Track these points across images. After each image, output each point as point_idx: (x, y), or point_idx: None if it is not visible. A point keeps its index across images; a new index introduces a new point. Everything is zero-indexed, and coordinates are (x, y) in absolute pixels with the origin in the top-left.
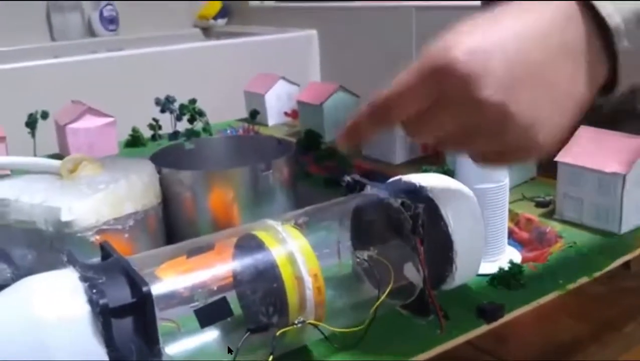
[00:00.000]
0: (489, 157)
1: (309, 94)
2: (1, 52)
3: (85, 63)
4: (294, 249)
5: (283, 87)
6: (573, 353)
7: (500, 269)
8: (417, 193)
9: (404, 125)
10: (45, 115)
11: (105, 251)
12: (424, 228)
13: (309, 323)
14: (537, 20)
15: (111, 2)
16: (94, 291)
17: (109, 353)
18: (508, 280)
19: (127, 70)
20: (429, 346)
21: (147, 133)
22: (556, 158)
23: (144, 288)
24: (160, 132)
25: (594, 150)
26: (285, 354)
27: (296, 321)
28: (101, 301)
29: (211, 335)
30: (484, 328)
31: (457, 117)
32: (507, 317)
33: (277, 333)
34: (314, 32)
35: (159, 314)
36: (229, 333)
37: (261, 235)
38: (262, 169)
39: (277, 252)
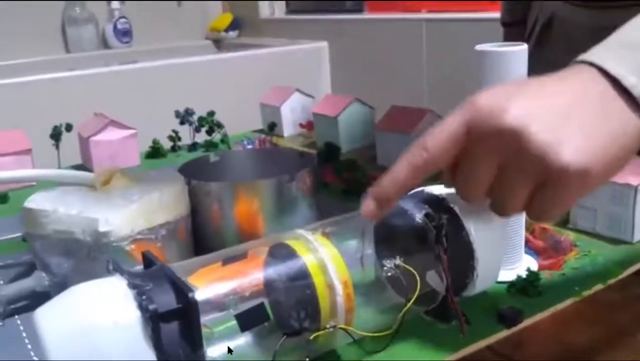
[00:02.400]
0: (540, 205)
1: (324, 106)
2: (18, 64)
3: (105, 75)
4: (324, 257)
5: (298, 99)
6: (588, 357)
7: (518, 277)
8: (439, 204)
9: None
10: (69, 128)
11: (148, 259)
12: (447, 238)
13: (340, 328)
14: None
15: (125, 14)
16: (143, 297)
17: (158, 355)
18: (526, 287)
19: (145, 82)
20: (452, 350)
21: (166, 144)
22: None
23: (190, 295)
24: (179, 143)
25: None
26: (317, 358)
27: (328, 326)
28: (151, 307)
29: (244, 340)
30: (504, 333)
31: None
32: (526, 322)
33: (311, 337)
34: (324, 44)
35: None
36: (261, 339)
37: (293, 243)
38: (286, 180)
39: (308, 260)
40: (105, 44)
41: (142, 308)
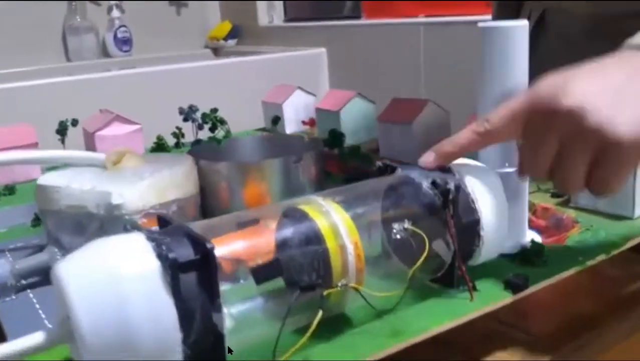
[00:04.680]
0: (600, 180)
1: (326, 102)
2: (20, 72)
3: (109, 79)
4: (336, 219)
5: (300, 96)
6: (592, 327)
7: (523, 247)
8: (445, 173)
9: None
10: (75, 123)
11: (164, 221)
12: (454, 204)
13: (352, 287)
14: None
15: (125, 23)
16: (163, 247)
17: (177, 304)
18: (531, 257)
19: (147, 86)
20: (460, 314)
21: (170, 141)
22: None
23: (208, 245)
24: (183, 140)
25: None
26: (328, 318)
27: (339, 284)
28: (170, 255)
29: (258, 302)
30: (510, 298)
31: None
32: (532, 289)
33: (325, 293)
34: (323, 50)
35: None
36: (274, 304)
37: (305, 207)
38: (293, 161)
39: (321, 222)
40: (105, 53)
41: (161, 257)
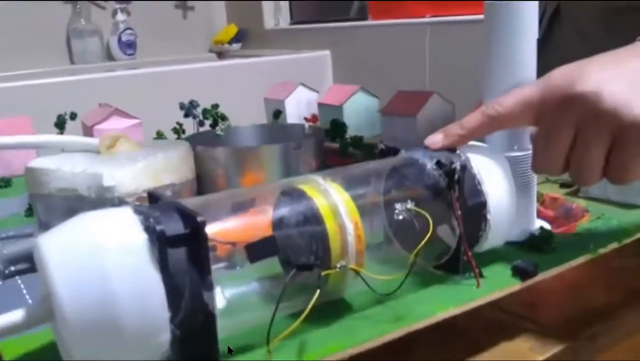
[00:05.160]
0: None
1: (329, 96)
2: (24, 74)
3: (111, 79)
4: (335, 198)
5: (302, 93)
6: (604, 317)
7: (532, 234)
8: (450, 154)
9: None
10: (73, 116)
11: (154, 197)
12: (459, 185)
13: (351, 269)
14: None
15: (130, 26)
16: (150, 220)
17: (164, 280)
18: (540, 244)
19: (149, 86)
20: (465, 301)
21: (170, 137)
22: None
23: (199, 218)
24: (183, 136)
25: None
26: (327, 304)
27: (338, 265)
28: (158, 228)
29: (254, 285)
30: (518, 285)
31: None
32: (541, 276)
33: (322, 274)
34: (327, 53)
35: None
36: (271, 286)
37: (303, 186)
38: (293, 147)
39: (319, 201)
40: (109, 56)
41: (149, 230)
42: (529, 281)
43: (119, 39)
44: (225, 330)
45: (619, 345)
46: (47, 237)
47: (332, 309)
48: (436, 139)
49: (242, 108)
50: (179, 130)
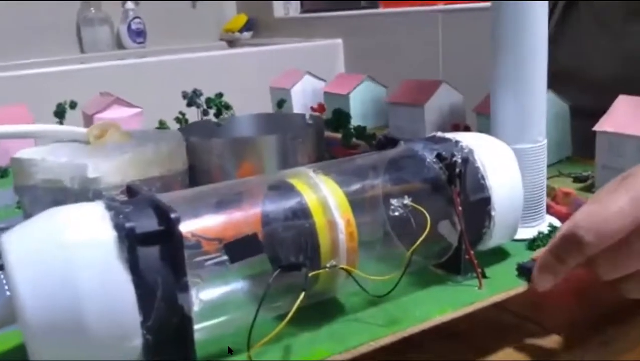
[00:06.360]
0: None
1: (335, 85)
2: (34, 62)
3: (116, 68)
4: (325, 192)
5: (309, 82)
6: (618, 322)
7: (540, 233)
8: (452, 146)
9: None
10: (73, 105)
11: (133, 191)
12: (460, 179)
13: (341, 268)
14: None
15: (139, 15)
16: (120, 216)
17: (134, 280)
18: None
19: (156, 75)
20: (466, 303)
21: (173, 127)
22: (594, 128)
23: (172, 215)
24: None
25: (633, 118)
26: (317, 303)
27: (328, 265)
28: (127, 225)
29: (241, 285)
30: (524, 287)
31: None
32: None
33: (309, 275)
34: (339, 41)
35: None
36: (256, 287)
37: (292, 180)
38: (290, 138)
39: (307, 194)
40: (119, 45)
41: (118, 227)
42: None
43: (129, 27)
44: (205, 333)
45: (633, 351)
46: (11, 233)
47: (322, 311)
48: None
49: (251, 98)
50: (181, 120)
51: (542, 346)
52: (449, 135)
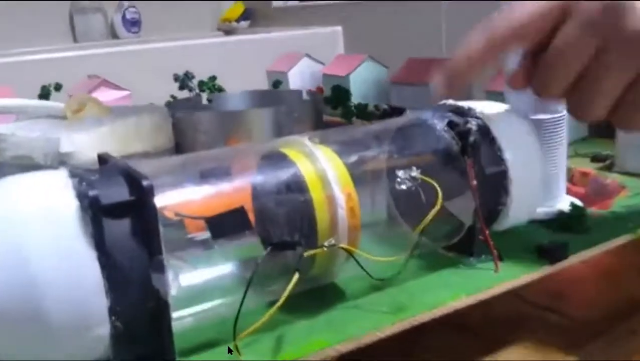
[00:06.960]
0: None
1: (334, 67)
2: (25, 52)
3: (114, 55)
4: (323, 163)
5: (307, 64)
6: None
7: (560, 212)
8: (465, 114)
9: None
10: (58, 87)
11: (103, 159)
12: (475, 149)
13: (341, 248)
14: None
15: (134, 4)
16: (84, 184)
17: (100, 257)
18: (570, 223)
19: (150, 62)
20: (482, 287)
21: None
22: None
23: (144, 182)
24: None
25: None
26: (314, 291)
27: (326, 244)
28: (91, 193)
29: (225, 268)
30: (545, 270)
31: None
32: (571, 260)
33: (305, 254)
34: (338, 29)
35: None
36: (245, 269)
37: (286, 150)
38: (285, 112)
39: (304, 166)
40: (113, 34)
41: (81, 196)
42: (557, 266)
43: (123, 17)
44: (187, 322)
45: None
46: None
47: (320, 297)
48: (439, 87)
49: (248, 87)
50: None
51: (563, 336)
52: (462, 103)
